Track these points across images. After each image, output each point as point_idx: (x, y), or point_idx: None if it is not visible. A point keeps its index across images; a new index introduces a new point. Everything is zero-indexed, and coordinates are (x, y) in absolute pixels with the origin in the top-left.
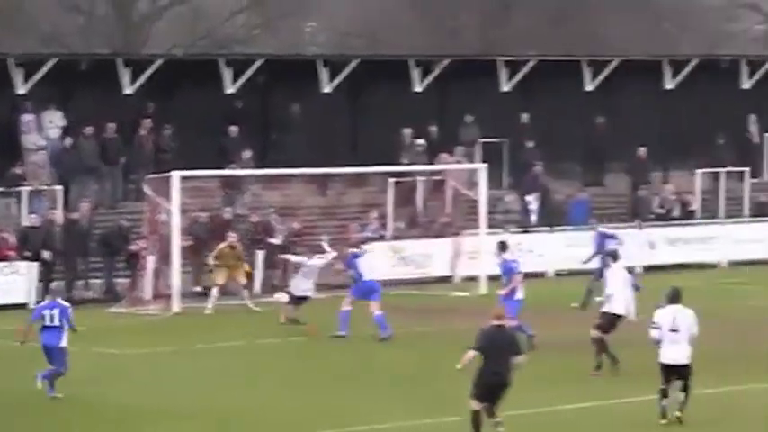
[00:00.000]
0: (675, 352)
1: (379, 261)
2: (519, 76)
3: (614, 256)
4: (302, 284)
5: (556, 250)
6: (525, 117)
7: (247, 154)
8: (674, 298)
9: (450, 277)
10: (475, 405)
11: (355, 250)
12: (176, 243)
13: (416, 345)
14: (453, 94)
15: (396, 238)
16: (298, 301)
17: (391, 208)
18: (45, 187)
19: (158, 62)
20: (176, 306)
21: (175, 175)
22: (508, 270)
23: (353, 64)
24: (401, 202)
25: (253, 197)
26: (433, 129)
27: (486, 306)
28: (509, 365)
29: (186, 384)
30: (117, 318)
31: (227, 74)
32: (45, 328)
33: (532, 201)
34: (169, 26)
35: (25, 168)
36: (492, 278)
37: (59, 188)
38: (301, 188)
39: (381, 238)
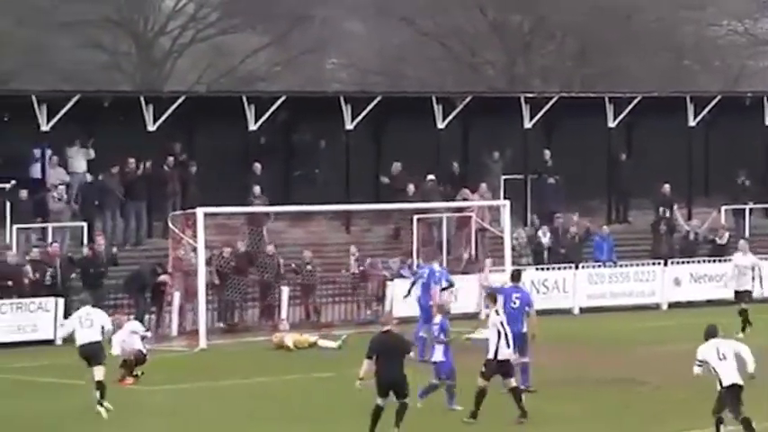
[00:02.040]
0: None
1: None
2: (541, 112)
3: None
4: None
5: (581, 287)
6: (548, 154)
7: (257, 189)
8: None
9: (477, 313)
10: (379, 401)
11: None
12: (202, 280)
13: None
14: (476, 131)
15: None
16: None
17: (416, 244)
18: (69, 224)
19: (181, 99)
20: (202, 342)
21: (200, 212)
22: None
23: (376, 100)
24: (425, 238)
25: (273, 234)
26: (456, 165)
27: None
28: (401, 364)
29: (210, 421)
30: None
31: (249, 110)
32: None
33: (542, 235)
34: (191, 63)
35: (49, 204)
36: None
37: (83, 224)
38: (325, 224)
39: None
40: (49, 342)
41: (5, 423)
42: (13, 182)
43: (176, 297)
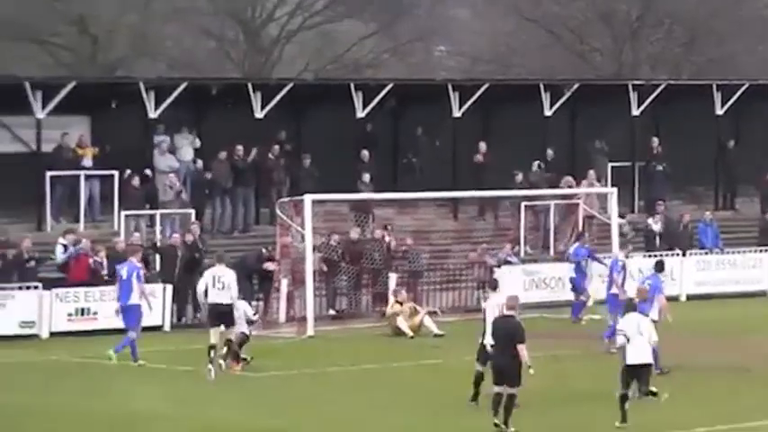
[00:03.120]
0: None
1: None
2: (649, 99)
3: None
4: None
5: (688, 274)
6: (655, 141)
7: (367, 177)
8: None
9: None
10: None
11: None
12: (309, 266)
13: (551, 367)
14: (583, 118)
15: (529, 261)
16: None
17: (523, 232)
18: (177, 210)
19: (289, 86)
20: (310, 329)
21: (307, 199)
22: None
23: (483, 88)
24: (533, 226)
25: (381, 221)
26: (563, 152)
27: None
28: (512, 351)
29: (318, 408)
30: (251, 340)
31: (357, 98)
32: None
33: (653, 223)
34: (298, 50)
35: (158, 191)
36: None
37: (191, 211)
38: (432, 212)
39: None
40: (158, 328)
41: (116, 408)
42: (129, 171)
43: (284, 284)
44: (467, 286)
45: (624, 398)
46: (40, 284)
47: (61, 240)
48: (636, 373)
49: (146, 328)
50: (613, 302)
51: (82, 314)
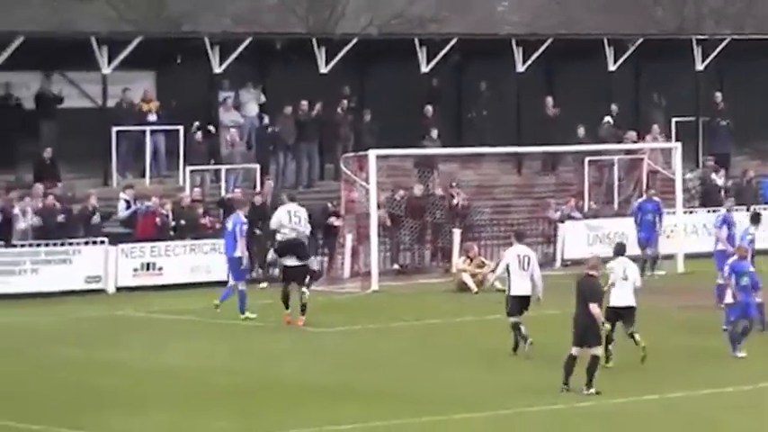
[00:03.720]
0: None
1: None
2: (713, 54)
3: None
4: None
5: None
6: (719, 96)
7: (435, 133)
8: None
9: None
10: (573, 350)
11: None
12: (374, 222)
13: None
14: (647, 74)
15: (592, 216)
16: None
17: (587, 187)
18: (241, 166)
19: (353, 41)
20: (375, 284)
21: (372, 154)
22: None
23: (547, 43)
24: (596, 181)
25: (445, 176)
26: (627, 108)
27: (682, 284)
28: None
29: (381, 363)
30: (315, 296)
31: (421, 53)
32: None
33: (717, 178)
34: (362, 5)
35: (222, 146)
36: (688, 256)
37: (256, 166)
38: (496, 167)
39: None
40: (223, 284)
41: (181, 362)
42: (197, 124)
43: (348, 239)
44: (530, 242)
45: (608, 339)
46: (106, 240)
47: (122, 195)
48: (619, 315)
49: (212, 283)
50: (720, 258)
51: (147, 269)
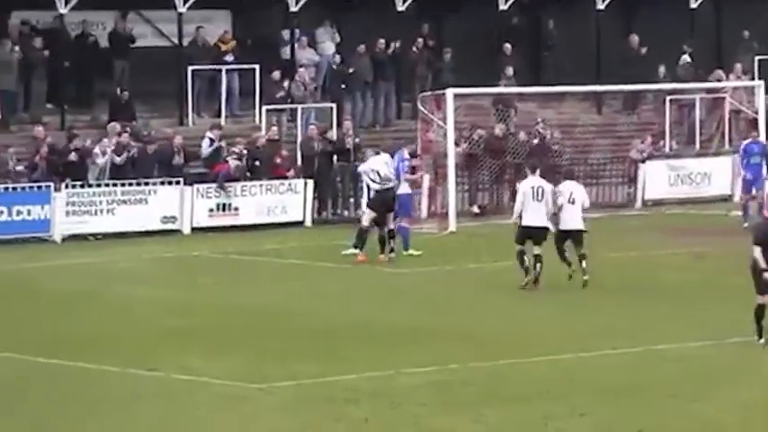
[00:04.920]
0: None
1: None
2: None
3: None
4: None
5: None
6: None
7: (510, 71)
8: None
9: (730, 196)
10: (759, 300)
11: None
12: (451, 161)
13: (694, 266)
14: (729, 10)
15: (673, 156)
16: None
17: (668, 126)
18: (317, 105)
19: None
20: (452, 225)
21: (449, 93)
22: None
23: None
24: (677, 120)
25: (524, 115)
26: (708, 46)
27: None
28: None
29: (458, 305)
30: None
31: None
32: None
33: None
34: None
35: (298, 85)
36: None
37: (332, 105)
38: (576, 106)
39: None
40: (299, 224)
41: (256, 302)
42: (269, 65)
43: (426, 179)
44: (610, 182)
45: (562, 251)
46: (181, 180)
47: (208, 134)
48: (568, 237)
49: (287, 224)
50: None
51: (223, 210)
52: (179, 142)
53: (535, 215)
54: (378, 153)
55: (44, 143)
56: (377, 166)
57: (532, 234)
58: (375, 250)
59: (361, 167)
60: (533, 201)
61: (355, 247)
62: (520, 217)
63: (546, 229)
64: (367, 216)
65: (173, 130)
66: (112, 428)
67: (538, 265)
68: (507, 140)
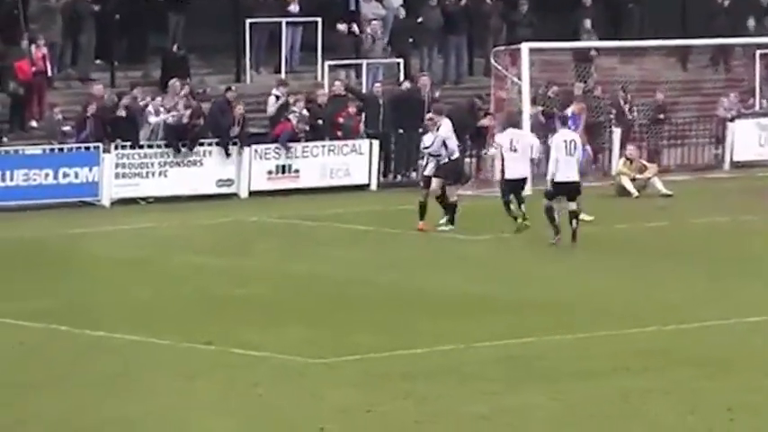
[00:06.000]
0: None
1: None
2: None
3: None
4: None
5: None
6: None
7: (588, 24)
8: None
9: None
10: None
11: None
12: (526, 120)
13: None
14: None
15: (763, 114)
16: None
17: (758, 82)
18: (383, 60)
19: None
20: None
21: (525, 48)
22: None
23: None
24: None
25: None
26: None
27: None
28: None
29: (527, 272)
30: (463, 200)
31: None
32: None
33: None
34: None
35: (363, 39)
36: None
37: (399, 60)
38: (660, 62)
39: None
40: (363, 187)
41: (320, 273)
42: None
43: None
44: (697, 142)
45: (507, 205)
46: (238, 141)
47: (275, 92)
48: (514, 187)
49: (351, 187)
50: None
51: (283, 172)
52: (240, 113)
53: (568, 170)
54: (440, 113)
55: (93, 101)
56: (451, 134)
57: (566, 190)
58: (435, 217)
59: (443, 132)
60: (566, 155)
61: (450, 223)
62: (554, 174)
63: (579, 183)
64: (452, 190)
65: (233, 96)
66: (169, 406)
67: (574, 221)
68: (587, 99)
